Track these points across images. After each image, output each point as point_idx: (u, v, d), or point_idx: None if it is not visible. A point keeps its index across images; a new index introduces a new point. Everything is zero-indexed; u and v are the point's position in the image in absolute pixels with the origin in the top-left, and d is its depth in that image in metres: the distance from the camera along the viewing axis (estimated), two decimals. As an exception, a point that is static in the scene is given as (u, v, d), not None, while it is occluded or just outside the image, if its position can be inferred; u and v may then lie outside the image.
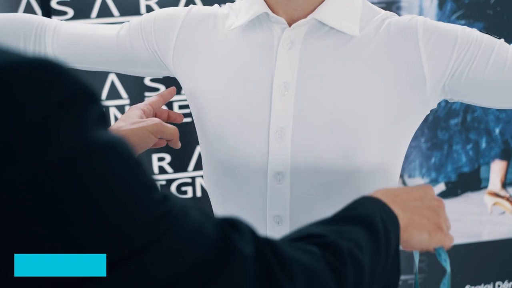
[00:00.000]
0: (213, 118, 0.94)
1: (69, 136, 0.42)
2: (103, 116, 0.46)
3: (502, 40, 0.89)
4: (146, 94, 1.86)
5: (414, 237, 0.69)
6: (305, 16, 0.90)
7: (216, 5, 1.01)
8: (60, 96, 0.43)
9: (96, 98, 0.46)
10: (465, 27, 0.90)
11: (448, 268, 0.76)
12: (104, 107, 0.47)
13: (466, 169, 2.03)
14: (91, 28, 1.04)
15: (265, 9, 0.90)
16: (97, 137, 0.44)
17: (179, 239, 0.47)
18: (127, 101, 1.84)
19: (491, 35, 0.89)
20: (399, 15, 0.94)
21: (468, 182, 2.03)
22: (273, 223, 0.93)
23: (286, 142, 0.89)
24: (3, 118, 0.39)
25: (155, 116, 1.01)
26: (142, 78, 1.85)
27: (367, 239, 0.61)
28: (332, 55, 0.89)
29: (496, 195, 2.05)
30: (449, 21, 1.88)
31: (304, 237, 0.60)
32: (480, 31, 0.90)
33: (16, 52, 0.43)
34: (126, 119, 0.92)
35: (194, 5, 1.02)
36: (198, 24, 0.98)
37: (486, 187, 2.05)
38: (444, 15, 1.90)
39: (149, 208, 0.46)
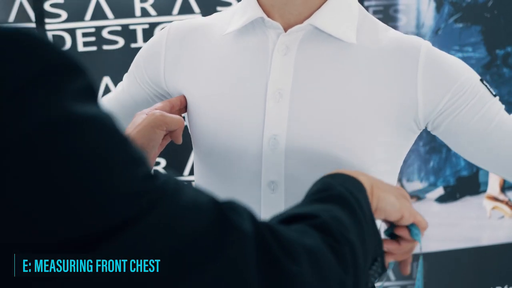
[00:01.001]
0: (207, 123, 0.93)
1: (45, 106, 0.41)
2: (89, 89, 0.45)
3: (497, 98, 0.89)
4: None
5: (383, 198, 0.68)
6: (301, 21, 0.88)
7: (199, 16, 0.99)
8: (39, 66, 0.42)
9: (81, 70, 0.45)
10: (468, 68, 0.89)
11: (420, 245, 0.77)
12: (92, 81, 0.46)
13: (464, 173, 2.01)
14: None
15: (261, 13, 0.89)
16: (77, 109, 0.43)
17: (171, 215, 0.45)
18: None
19: (489, 88, 0.89)
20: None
21: (466, 186, 2.02)
22: None
23: (280, 151, 0.87)
24: None
25: None
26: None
27: (346, 215, 0.62)
28: (328, 61, 0.88)
29: (495, 199, 2.04)
30: (446, 24, 1.87)
31: (294, 217, 0.59)
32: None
33: None
34: (131, 126, 0.89)
35: (172, 23, 1.00)
36: (184, 38, 0.96)
37: (485, 191, 2.04)
38: (441, 18, 1.89)
39: (131, 183, 0.44)
